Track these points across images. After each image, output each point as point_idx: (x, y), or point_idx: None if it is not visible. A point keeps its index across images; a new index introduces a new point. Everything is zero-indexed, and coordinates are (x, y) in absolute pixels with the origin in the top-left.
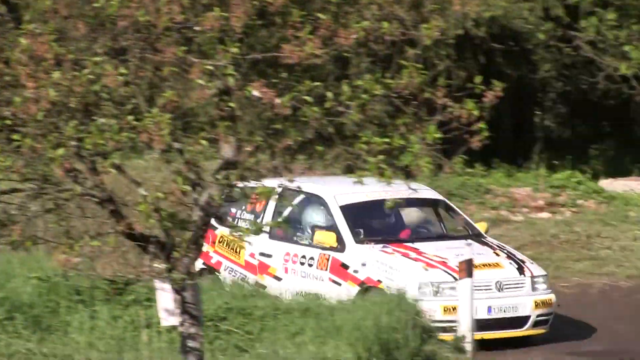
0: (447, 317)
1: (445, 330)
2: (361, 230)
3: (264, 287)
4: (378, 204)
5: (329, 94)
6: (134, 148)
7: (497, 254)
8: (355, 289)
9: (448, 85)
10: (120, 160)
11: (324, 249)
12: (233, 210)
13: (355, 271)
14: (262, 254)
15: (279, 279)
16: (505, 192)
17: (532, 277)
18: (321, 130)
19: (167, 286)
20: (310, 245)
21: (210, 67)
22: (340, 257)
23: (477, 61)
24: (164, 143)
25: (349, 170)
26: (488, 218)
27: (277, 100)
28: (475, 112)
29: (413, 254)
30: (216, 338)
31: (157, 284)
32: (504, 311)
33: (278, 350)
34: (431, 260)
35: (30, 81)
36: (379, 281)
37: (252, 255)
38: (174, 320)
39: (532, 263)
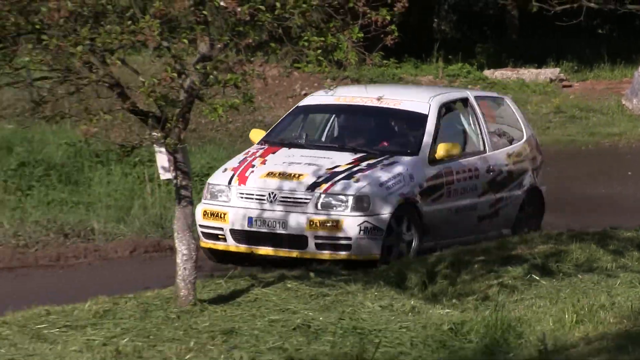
0: (209, 222)
1: (209, 236)
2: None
3: None
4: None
5: (278, 4)
6: (133, 46)
7: (336, 171)
8: None
9: None
10: (123, 55)
11: None
12: None
13: None
14: None
15: None
16: (414, 80)
17: (327, 194)
18: (273, 32)
19: (163, 149)
20: None
21: None
22: None
23: None
24: (156, 42)
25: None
26: None
27: (239, 9)
28: (388, 18)
29: (266, 157)
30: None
31: (156, 147)
32: (268, 225)
33: None
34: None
35: None
36: None
37: None
38: (170, 175)
39: (354, 180)
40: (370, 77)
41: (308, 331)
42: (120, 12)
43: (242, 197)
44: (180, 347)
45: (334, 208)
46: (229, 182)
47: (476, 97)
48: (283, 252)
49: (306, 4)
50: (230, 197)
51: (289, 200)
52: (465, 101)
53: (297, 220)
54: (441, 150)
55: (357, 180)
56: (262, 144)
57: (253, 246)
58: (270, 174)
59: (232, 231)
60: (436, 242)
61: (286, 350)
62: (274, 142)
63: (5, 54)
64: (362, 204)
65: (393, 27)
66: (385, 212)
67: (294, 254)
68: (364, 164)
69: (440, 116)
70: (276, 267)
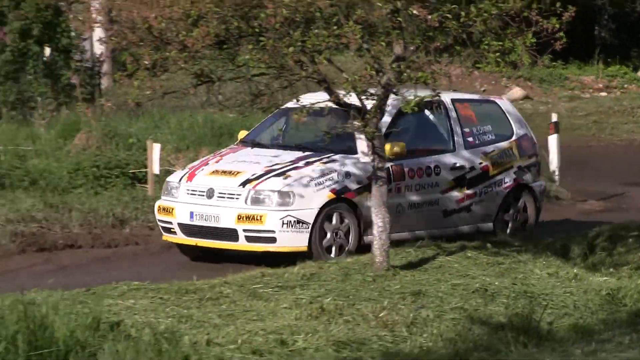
0: (162, 216)
1: (165, 230)
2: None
3: None
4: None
5: (462, 13)
6: (337, 48)
7: (272, 169)
8: None
9: (539, 8)
10: (329, 55)
11: None
12: None
13: None
14: None
15: None
16: (577, 79)
17: (256, 190)
18: (457, 37)
19: (362, 136)
20: None
21: None
22: None
23: None
24: (357, 44)
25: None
26: (567, 96)
27: (429, 17)
28: (557, 25)
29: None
30: None
31: (357, 135)
32: (205, 219)
33: None
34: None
35: (269, 3)
36: None
37: None
38: (368, 159)
39: (284, 177)
40: (540, 77)
41: (485, 294)
42: (327, 18)
43: (187, 193)
44: (375, 306)
45: (261, 203)
46: (180, 180)
47: (453, 100)
48: (220, 245)
49: (487, 13)
50: (179, 193)
51: (224, 195)
52: (437, 103)
53: (228, 215)
54: (388, 149)
55: (287, 177)
56: (236, 144)
57: (197, 239)
58: (214, 172)
59: (179, 225)
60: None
61: (466, 310)
62: (244, 142)
63: (229, 53)
64: (286, 199)
65: (561, 34)
66: (312, 207)
67: (228, 246)
68: (303, 162)
69: (396, 118)
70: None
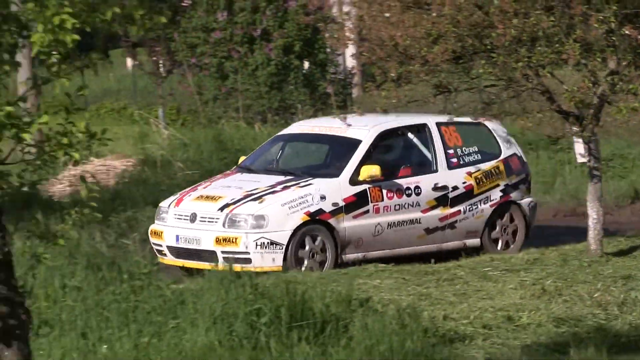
0: (154, 240)
1: (158, 252)
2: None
3: None
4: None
5: None
6: (558, 63)
7: (251, 193)
8: None
9: None
10: (551, 69)
11: None
12: None
13: None
14: None
15: None
16: None
17: (233, 214)
18: None
19: (580, 140)
20: None
21: (600, 17)
22: None
23: None
24: (576, 60)
25: None
26: None
27: (639, 36)
28: None
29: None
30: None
31: (574, 139)
32: (189, 242)
33: None
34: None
35: (500, 24)
36: None
37: None
38: (584, 159)
39: (259, 201)
40: None
41: None
42: (550, 37)
43: (175, 218)
44: (590, 288)
45: (237, 226)
46: (169, 205)
47: (438, 124)
48: (202, 266)
49: None
50: (168, 218)
51: (205, 219)
52: (421, 127)
53: (208, 237)
54: (364, 172)
55: (262, 201)
56: (232, 170)
57: (183, 260)
58: (199, 197)
59: (168, 247)
60: (365, 254)
61: None
62: (239, 167)
63: (464, 67)
64: (260, 222)
65: None
66: (285, 229)
67: (210, 267)
68: (280, 186)
69: (376, 142)
70: None
